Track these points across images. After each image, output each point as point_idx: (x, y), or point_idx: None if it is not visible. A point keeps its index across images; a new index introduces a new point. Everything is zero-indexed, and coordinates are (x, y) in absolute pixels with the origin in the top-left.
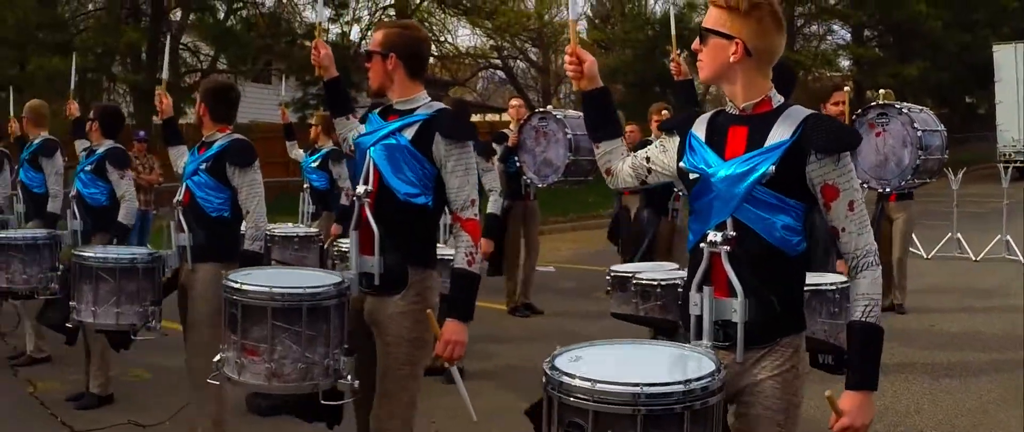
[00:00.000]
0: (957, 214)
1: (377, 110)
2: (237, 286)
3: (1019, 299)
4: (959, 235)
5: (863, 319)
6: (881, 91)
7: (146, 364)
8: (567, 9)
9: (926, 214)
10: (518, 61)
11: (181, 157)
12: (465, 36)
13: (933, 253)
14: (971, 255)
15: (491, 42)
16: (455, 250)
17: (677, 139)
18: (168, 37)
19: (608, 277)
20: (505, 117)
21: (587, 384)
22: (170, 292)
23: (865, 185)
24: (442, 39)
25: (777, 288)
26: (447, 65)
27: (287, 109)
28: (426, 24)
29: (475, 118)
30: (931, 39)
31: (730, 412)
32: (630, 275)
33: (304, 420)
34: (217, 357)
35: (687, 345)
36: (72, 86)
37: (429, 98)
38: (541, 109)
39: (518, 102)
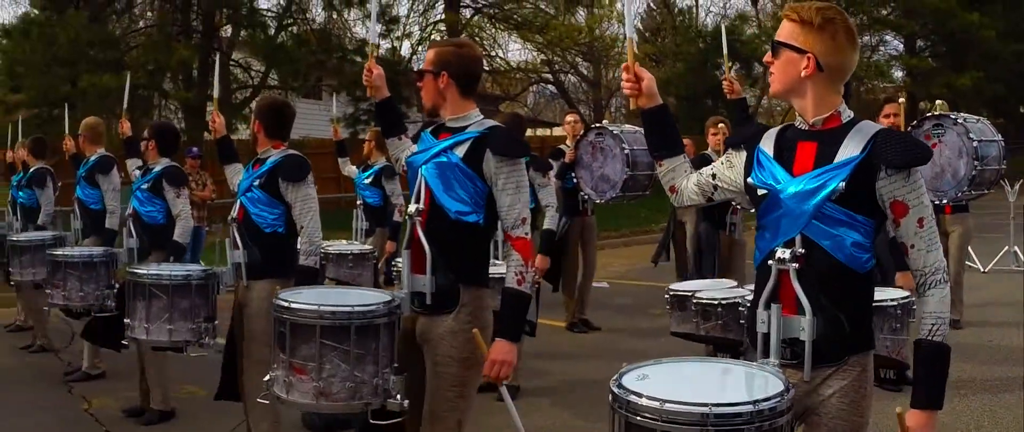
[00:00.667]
0: (1013, 226)
1: (429, 129)
2: (286, 305)
3: None
4: (1016, 248)
5: (930, 338)
6: (937, 102)
7: (200, 380)
8: (624, 26)
9: (982, 226)
10: (569, 75)
11: (236, 174)
12: (516, 51)
13: (990, 266)
14: None
15: (542, 57)
16: (506, 269)
17: (744, 154)
18: (218, 55)
19: (667, 296)
20: (557, 132)
21: (655, 403)
22: None
23: None
24: (493, 54)
25: (846, 306)
26: (498, 80)
27: (338, 125)
28: (477, 39)
29: (527, 133)
30: (985, 49)
31: (797, 431)
32: (690, 294)
33: None
34: (267, 377)
35: (754, 363)
36: (124, 104)
37: (481, 116)
38: (597, 124)
39: (574, 117)
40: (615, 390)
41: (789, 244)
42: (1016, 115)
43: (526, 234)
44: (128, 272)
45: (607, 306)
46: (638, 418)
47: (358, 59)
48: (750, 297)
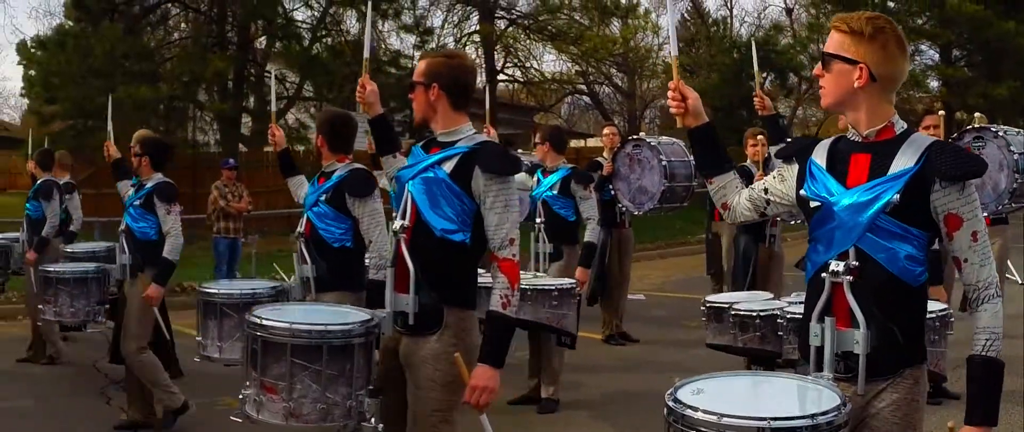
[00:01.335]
0: None
1: (421, 143)
2: (258, 321)
3: None
4: None
5: (984, 353)
6: (975, 115)
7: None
8: (659, 37)
9: (1020, 238)
10: (604, 86)
11: (300, 187)
12: (550, 61)
13: None
14: None
15: (576, 67)
16: (491, 291)
17: (796, 167)
18: (272, 71)
19: (703, 308)
20: (591, 143)
21: (712, 418)
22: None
23: None
24: (528, 65)
25: (900, 318)
26: (533, 91)
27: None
28: (512, 50)
29: None
30: (1021, 58)
31: None
32: (727, 306)
33: None
34: (240, 394)
35: (808, 377)
36: (109, 126)
37: (473, 130)
38: (635, 136)
39: (611, 130)
40: (670, 404)
41: (843, 257)
42: None
43: (513, 256)
44: (199, 291)
45: (643, 318)
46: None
47: (392, 70)
48: (789, 309)
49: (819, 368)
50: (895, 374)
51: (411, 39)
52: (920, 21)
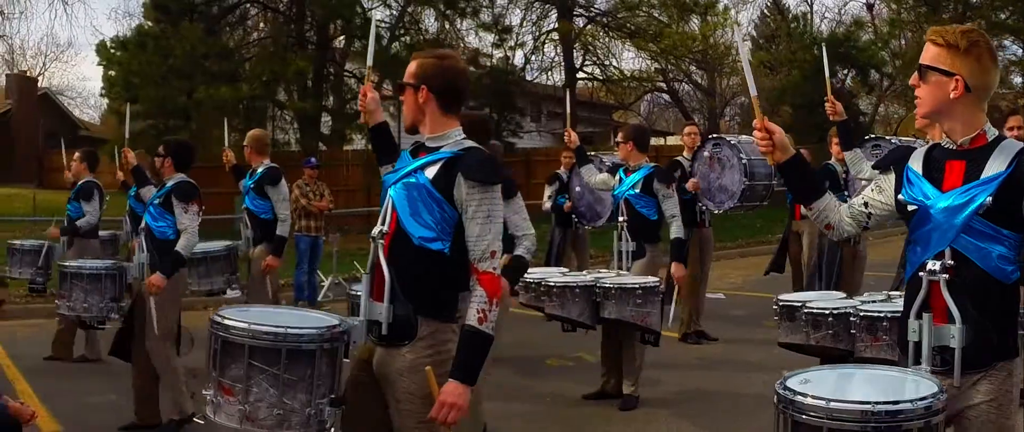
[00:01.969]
0: None
1: (410, 148)
2: (221, 320)
3: None
4: None
5: None
6: None
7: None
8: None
9: None
10: (683, 84)
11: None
12: (629, 59)
13: None
14: None
15: (656, 65)
16: (469, 305)
17: (892, 176)
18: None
19: (775, 306)
20: (671, 141)
21: (821, 403)
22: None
23: None
24: (607, 62)
25: (993, 314)
26: (612, 89)
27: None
28: (591, 47)
29: None
30: None
31: None
32: (800, 304)
33: None
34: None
35: (907, 369)
36: (126, 133)
37: (462, 135)
38: (715, 135)
39: (693, 129)
40: (781, 392)
41: (939, 256)
42: None
43: (494, 269)
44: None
45: (723, 317)
46: (804, 416)
47: (471, 69)
48: (862, 307)
49: (917, 362)
50: (989, 366)
51: (490, 37)
52: (1003, 16)
